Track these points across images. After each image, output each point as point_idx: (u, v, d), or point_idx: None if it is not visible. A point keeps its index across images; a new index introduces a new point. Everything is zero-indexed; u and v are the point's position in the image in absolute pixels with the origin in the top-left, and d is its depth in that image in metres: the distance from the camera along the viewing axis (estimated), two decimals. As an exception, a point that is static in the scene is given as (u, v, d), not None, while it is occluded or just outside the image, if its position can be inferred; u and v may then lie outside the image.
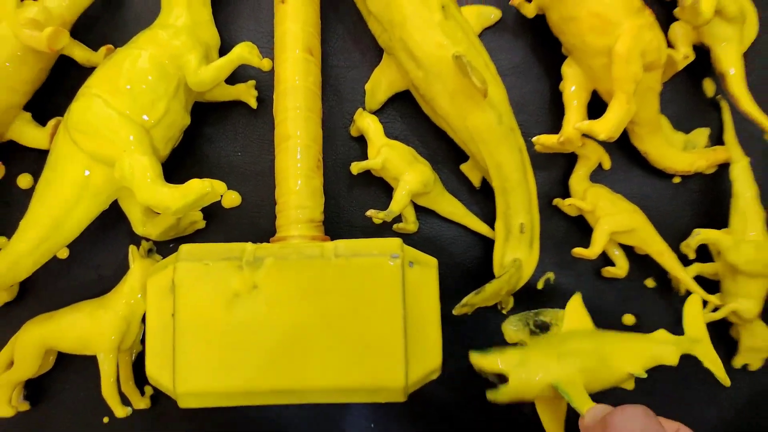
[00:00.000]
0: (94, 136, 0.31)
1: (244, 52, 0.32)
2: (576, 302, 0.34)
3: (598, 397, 0.30)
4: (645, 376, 0.31)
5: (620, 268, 0.36)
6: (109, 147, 0.31)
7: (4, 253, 0.32)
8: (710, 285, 0.36)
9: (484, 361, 0.31)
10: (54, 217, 0.32)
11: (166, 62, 0.32)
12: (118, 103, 0.31)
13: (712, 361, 0.33)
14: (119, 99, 0.31)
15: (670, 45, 0.35)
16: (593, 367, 0.31)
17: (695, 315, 0.34)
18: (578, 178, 0.35)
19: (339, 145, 0.36)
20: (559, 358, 0.31)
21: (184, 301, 0.29)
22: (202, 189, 0.30)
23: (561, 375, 0.30)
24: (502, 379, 0.30)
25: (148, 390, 0.36)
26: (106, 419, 0.36)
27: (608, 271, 0.36)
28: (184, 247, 0.29)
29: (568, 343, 0.32)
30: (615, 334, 0.33)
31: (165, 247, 0.37)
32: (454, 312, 0.32)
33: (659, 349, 0.32)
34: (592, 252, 0.34)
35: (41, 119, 0.36)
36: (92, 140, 0.31)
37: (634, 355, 0.32)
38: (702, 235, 0.34)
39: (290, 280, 0.29)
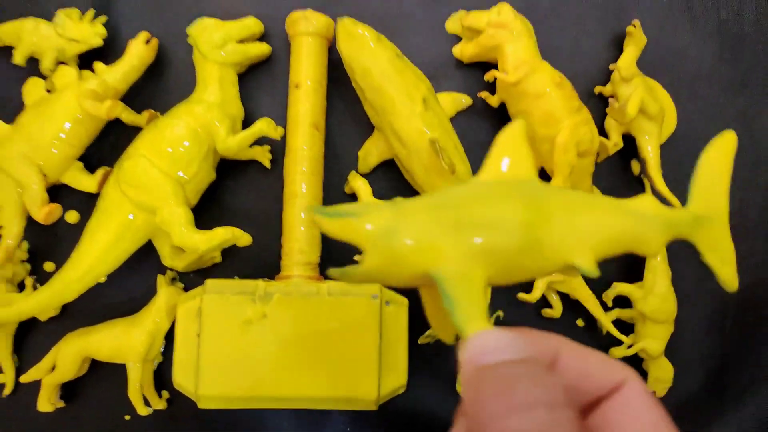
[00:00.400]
0: (140, 189, 0.39)
1: (264, 126, 0.40)
2: (516, 127, 0.22)
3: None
4: (596, 274, 0.20)
5: (556, 310, 0.44)
6: (151, 198, 0.39)
7: (56, 279, 0.39)
8: (627, 327, 0.44)
9: (332, 224, 0.20)
10: (101, 250, 0.39)
11: (199, 131, 0.40)
12: (160, 163, 0.39)
13: (724, 254, 0.22)
14: (161, 160, 0.39)
15: (604, 133, 0.44)
16: (512, 248, 0.20)
17: (719, 159, 0.22)
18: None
19: (335, 201, 0.44)
20: (457, 228, 0.20)
21: (208, 325, 0.36)
22: (225, 235, 0.38)
23: (450, 260, 0.19)
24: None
25: (165, 394, 0.44)
26: (127, 417, 0.43)
27: (546, 312, 0.44)
28: (210, 282, 0.37)
29: (482, 204, 0.20)
30: (564, 194, 0.22)
31: (186, 277, 0.44)
32: (419, 341, 0.40)
33: (633, 224, 0.21)
34: (533, 297, 0.42)
35: (87, 165, 0.43)
36: (138, 192, 0.39)
37: (588, 234, 0.21)
38: (618, 288, 0.43)
39: (292, 311, 0.36)
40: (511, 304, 0.44)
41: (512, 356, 0.18)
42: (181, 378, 0.36)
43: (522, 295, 0.43)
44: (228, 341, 0.36)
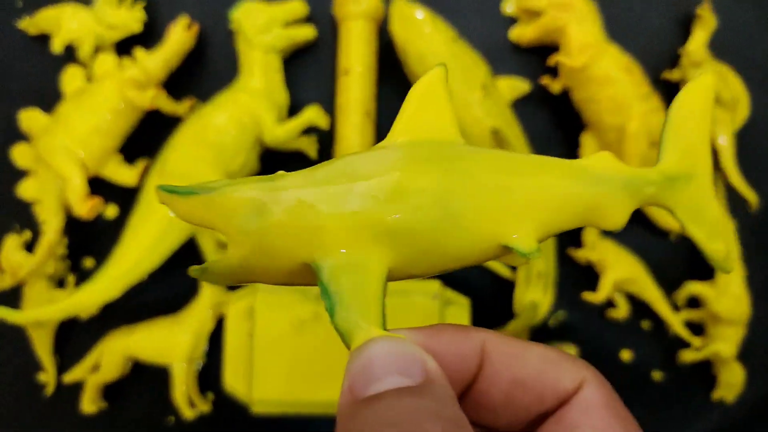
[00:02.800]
0: (185, 181, 0.37)
1: (313, 115, 0.38)
2: (435, 78, 0.18)
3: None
4: (537, 254, 0.16)
5: (622, 311, 0.42)
6: (197, 191, 0.37)
7: (101, 276, 0.38)
8: (697, 328, 0.42)
9: (190, 204, 0.16)
10: (146, 247, 0.38)
11: (245, 120, 0.38)
12: (206, 154, 0.37)
13: (708, 219, 0.18)
14: (207, 151, 0.37)
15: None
16: (426, 225, 0.16)
17: (697, 104, 0.18)
18: (590, 233, 0.41)
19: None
20: (348, 202, 0.16)
21: (260, 325, 0.35)
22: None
23: (336, 245, 0.15)
24: None
25: (210, 395, 0.42)
26: (171, 418, 0.42)
27: (611, 313, 0.42)
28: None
29: (383, 172, 0.16)
30: (493, 154, 0.17)
31: (231, 273, 0.42)
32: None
33: (586, 188, 0.17)
34: (598, 297, 0.40)
35: (125, 156, 0.42)
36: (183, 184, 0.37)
37: (528, 201, 0.16)
38: (690, 288, 0.40)
39: (347, 312, 0.35)
40: (572, 304, 0.42)
41: (406, 381, 0.13)
42: (233, 381, 0.35)
43: (587, 295, 0.40)
44: (281, 342, 0.34)
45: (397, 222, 0.15)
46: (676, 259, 0.43)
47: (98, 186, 0.41)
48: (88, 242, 0.43)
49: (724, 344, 0.40)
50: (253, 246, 0.15)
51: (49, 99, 0.41)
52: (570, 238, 0.43)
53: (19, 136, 0.41)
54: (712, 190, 0.18)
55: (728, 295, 0.40)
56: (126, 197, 0.42)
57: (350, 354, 0.15)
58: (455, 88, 0.37)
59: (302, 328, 0.34)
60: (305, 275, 0.16)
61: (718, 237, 0.18)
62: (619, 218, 0.17)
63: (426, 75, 0.18)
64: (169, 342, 0.40)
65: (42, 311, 0.38)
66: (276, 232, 0.15)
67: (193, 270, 0.16)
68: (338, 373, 0.33)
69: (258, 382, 0.34)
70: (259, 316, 0.34)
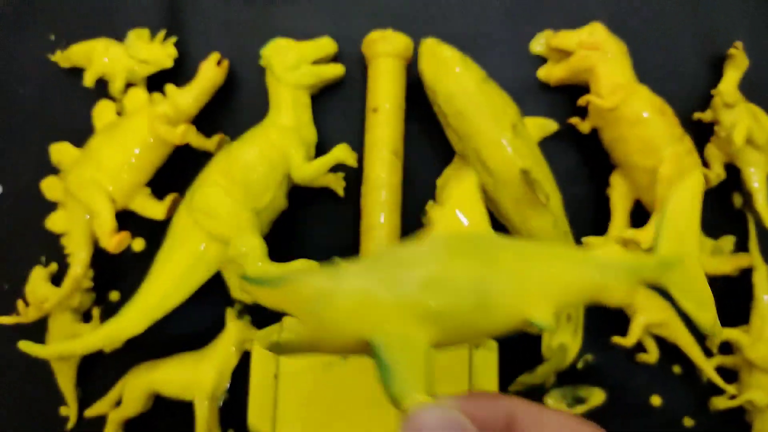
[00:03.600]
0: (213, 218, 0.37)
1: (341, 153, 0.38)
2: (469, 183, 0.21)
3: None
4: (553, 328, 0.21)
5: (652, 355, 0.40)
6: (225, 228, 0.37)
7: (127, 311, 0.38)
8: (730, 374, 0.41)
9: (270, 293, 0.18)
10: (172, 282, 0.38)
11: (274, 157, 0.38)
12: (234, 190, 0.37)
13: (697, 298, 0.21)
14: (235, 187, 0.37)
15: (704, 164, 0.41)
16: (465, 307, 0.18)
17: (685, 213, 0.21)
18: (618, 275, 0.41)
19: (412, 232, 0.42)
20: (400, 289, 0.18)
21: (286, 366, 0.34)
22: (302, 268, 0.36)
23: (390, 324, 0.17)
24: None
25: (231, 432, 0.42)
26: (191, 455, 0.42)
27: (641, 358, 0.41)
28: (288, 320, 0.35)
29: (427, 262, 0.19)
30: (518, 247, 0.21)
31: (254, 310, 0.42)
32: (510, 389, 0.37)
33: (593, 273, 0.20)
34: (629, 341, 0.39)
35: (153, 191, 0.42)
36: (211, 221, 0.37)
37: (546, 284, 0.19)
38: (724, 334, 0.39)
39: (374, 354, 0.34)
40: (600, 347, 0.41)
41: None
42: (257, 421, 0.34)
43: (617, 339, 0.39)
44: (307, 383, 0.34)
45: (440, 306, 0.19)
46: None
47: (126, 219, 0.41)
48: (115, 275, 0.43)
49: (760, 392, 0.39)
50: (321, 326, 0.19)
51: (80, 133, 0.42)
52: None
53: (49, 169, 0.42)
54: (701, 269, 0.22)
55: (763, 341, 0.39)
56: (154, 231, 0.42)
57: (402, 419, 0.17)
58: (485, 128, 0.37)
59: (328, 369, 0.34)
60: (363, 348, 0.19)
61: (706, 308, 0.22)
62: (621, 296, 0.21)
63: (461, 178, 0.23)
64: (192, 378, 0.39)
65: (66, 345, 0.38)
66: (339, 314, 0.19)
67: (268, 344, 0.20)
68: (363, 417, 0.33)
69: (282, 423, 0.34)
70: (284, 356, 0.34)
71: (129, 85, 0.42)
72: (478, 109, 0.37)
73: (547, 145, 0.42)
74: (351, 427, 0.33)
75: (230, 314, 0.41)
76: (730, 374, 0.41)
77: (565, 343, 0.39)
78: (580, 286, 0.20)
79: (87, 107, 0.42)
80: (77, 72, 0.43)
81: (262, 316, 0.42)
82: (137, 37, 0.42)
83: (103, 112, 0.41)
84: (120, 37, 0.42)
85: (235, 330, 0.40)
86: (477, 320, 0.19)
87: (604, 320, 0.41)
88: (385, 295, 0.18)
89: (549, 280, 0.20)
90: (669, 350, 0.41)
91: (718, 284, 0.41)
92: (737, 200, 0.42)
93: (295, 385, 0.34)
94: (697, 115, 0.42)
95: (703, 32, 0.43)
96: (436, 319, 0.18)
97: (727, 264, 0.41)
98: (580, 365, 0.41)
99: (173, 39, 0.42)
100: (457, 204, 0.21)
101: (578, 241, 0.40)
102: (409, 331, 0.18)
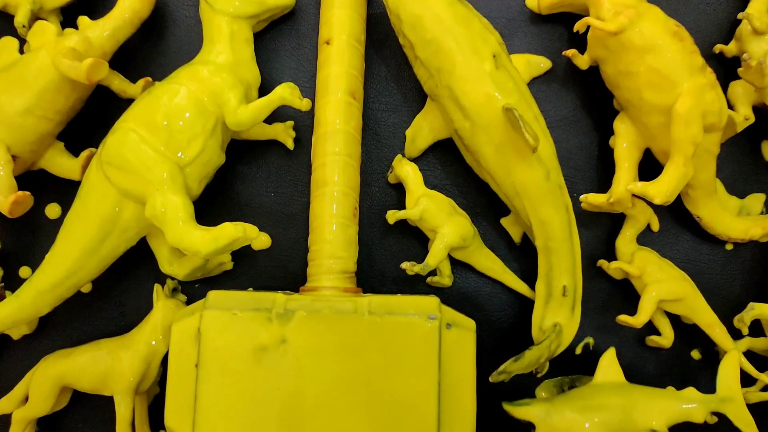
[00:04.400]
0: (127, 171, 0.30)
1: (285, 93, 0.32)
2: (610, 356, 0.34)
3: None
4: None
5: (665, 337, 0.34)
6: (141, 184, 0.30)
7: (26, 287, 0.32)
8: (761, 361, 0.34)
9: (516, 411, 0.32)
10: (81, 251, 0.31)
11: (205, 99, 0.31)
12: (153, 139, 0.31)
13: (745, 422, 0.32)
14: (155, 135, 0.31)
15: (729, 105, 0.34)
16: (616, 421, 0.32)
17: (731, 372, 0.33)
18: (625, 240, 0.34)
19: (375, 192, 0.36)
20: (583, 411, 0.31)
21: (208, 351, 0.28)
22: (234, 234, 0.29)
23: (583, 428, 0.31)
24: (531, 426, 0.32)
25: (163, 434, 0.35)
26: (116, 462, 0.35)
27: (653, 341, 0.34)
28: (212, 294, 0.28)
29: (596, 397, 0.32)
30: (643, 389, 0.33)
31: (190, 287, 0.36)
32: (491, 380, 0.30)
33: (686, 406, 0.32)
34: (638, 320, 0.32)
35: (74, 149, 0.36)
36: (125, 176, 0.30)
37: (660, 412, 0.32)
38: (757, 310, 0.33)
39: (321, 335, 0.28)
40: (605, 330, 0.35)
41: None
42: (174, 422, 0.28)
43: (623, 318, 0.33)
44: (235, 374, 0.27)
45: (605, 418, 0.32)
46: (734, 273, 0.35)
47: (39, 181, 0.35)
48: (26, 248, 0.36)
49: (798, 381, 0.33)
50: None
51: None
52: (600, 247, 0.35)
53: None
54: (743, 404, 0.33)
55: (803, 320, 0.32)
56: (71, 194, 0.35)
57: None
58: (459, 59, 0.31)
59: (262, 355, 0.27)
60: None
61: (747, 425, 0.32)
62: (698, 418, 0.32)
63: (607, 353, 0.34)
64: (112, 369, 0.33)
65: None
66: (554, 426, 0.32)
67: None
68: (304, 415, 0.27)
69: (201, 425, 0.27)
70: (208, 339, 0.27)
71: (36, 18, 0.35)
72: (451, 35, 0.31)
73: (538, 87, 0.36)
74: (288, 427, 0.27)
75: (159, 292, 0.34)
76: (762, 361, 0.34)
77: (560, 323, 0.32)
78: (677, 411, 0.32)
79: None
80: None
81: (198, 296, 0.35)
82: (48, -38, 0.35)
83: (3, 49, 0.35)
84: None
85: (164, 310, 0.34)
86: (621, 428, 0.32)
87: (606, 295, 0.35)
88: (577, 417, 0.31)
89: (660, 407, 0.32)
90: (686, 331, 0.34)
91: (749, 251, 0.35)
92: (767, 151, 0.36)
93: (220, 375, 0.27)
94: (719, 47, 0.36)
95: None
96: (601, 428, 0.31)
97: (757, 226, 0.35)
98: (578, 350, 0.35)
99: (92, -34, 0.36)
100: (605, 371, 0.33)
101: (575, 199, 0.33)
102: None
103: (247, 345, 0.28)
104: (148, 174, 0.30)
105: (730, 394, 0.32)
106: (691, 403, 0.32)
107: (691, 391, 0.33)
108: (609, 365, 0.33)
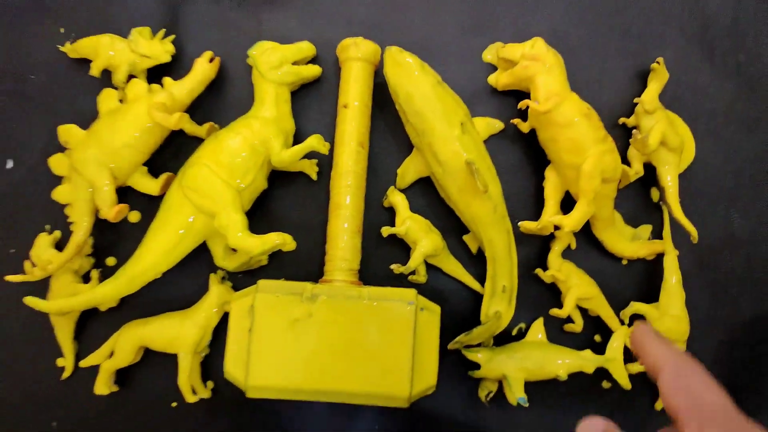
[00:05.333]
0: (201, 194, 0.43)
1: (314, 142, 0.44)
2: (538, 323, 0.46)
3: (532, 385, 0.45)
4: (565, 378, 0.44)
5: (578, 325, 0.47)
6: (212, 203, 0.42)
7: (121, 273, 0.43)
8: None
9: (469, 354, 0.45)
10: (164, 248, 0.43)
11: (256, 143, 0.44)
12: (221, 171, 0.43)
13: (621, 376, 0.45)
14: (222, 168, 0.43)
15: (627, 162, 0.47)
16: (533, 366, 0.44)
17: (617, 341, 0.46)
18: (555, 255, 0.46)
19: (373, 213, 0.47)
20: (511, 357, 0.44)
21: (259, 321, 0.40)
22: (277, 240, 0.42)
23: (510, 369, 0.44)
24: (478, 366, 0.45)
25: (210, 384, 0.47)
26: (174, 404, 0.47)
27: (569, 327, 0.47)
28: (262, 282, 0.41)
29: (523, 350, 0.45)
30: (556, 347, 0.45)
31: (234, 277, 0.48)
32: (449, 347, 0.43)
33: (582, 361, 0.45)
34: (564, 312, 0.45)
35: (150, 170, 0.47)
36: (200, 197, 0.43)
37: (564, 363, 0.45)
38: (635, 307, 0.46)
39: (335, 312, 0.40)
40: (532, 317, 0.47)
41: None
42: (233, 369, 0.40)
43: (554, 311, 0.46)
44: (276, 337, 0.40)
45: (525, 365, 0.45)
46: (627, 281, 0.48)
47: (124, 194, 0.47)
48: (112, 243, 0.48)
49: (665, 358, 0.46)
50: (486, 371, 0.45)
51: (85, 116, 0.47)
52: (533, 260, 0.48)
53: (58, 147, 0.47)
54: (622, 363, 0.45)
55: (669, 316, 0.45)
56: (147, 205, 0.47)
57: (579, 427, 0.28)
58: (438, 125, 0.43)
59: (295, 325, 0.40)
60: (503, 376, 0.45)
61: (621, 376, 0.46)
62: (589, 369, 0.45)
63: (536, 321, 0.47)
64: (178, 334, 0.45)
65: (66, 301, 0.44)
66: (493, 370, 0.45)
67: (470, 372, 0.47)
68: (323, 366, 0.39)
69: (253, 371, 0.39)
70: (258, 313, 0.40)
71: (131, 76, 0.47)
72: (432, 109, 0.43)
73: (493, 142, 0.48)
74: (314, 374, 0.39)
75: (213, 279, 0.46)
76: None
77: (500, 311, 0.45)
78: (575, 363, 0.45)
79: (92, 94, 0.47)
80: (84, 63, 0.49)
81: (241, 282, 0.47)
82: (139, 33, 0.47)
83: (106, 99, 0.46)
84: (123, 33, 0.48)
85: (217, 293, 0.46)
86: (536, 372, 0.44)
87: (536, 293, 0.48)
88: (508, 362, 0.44)
89: (564, 360, 0.45)
90: (591, 321, 0.47)
91: (637, 266, 0.49)
92: (654, 194, 0.49)
93: (266, 337, 0.39)
94: (622, 120, 0.48)
95: (632, 49, 0.50)
96: (522, 371, 0.44)
97: (644, 249, 0.47)
98: (514, 332, 0.47)
99: (171, 37, 0.48)
100: (533, 333, 0.47)
101: (515, 224, 0.46)
102: (516, 373, 0.44)
103: (285, 317, 0.40)
104: (216, 197, 0.42)
105: (613, 355, 0.45)
106: (585, 359, 0.45)
107: (587, 352, 0.45)
108: (536, 329, 0.46)
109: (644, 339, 0.28)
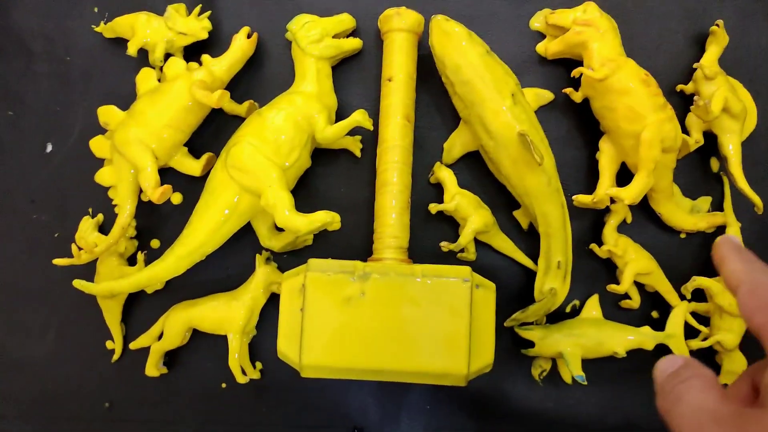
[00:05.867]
0: (247, 172, 0.42)
1: (360, 118, 0.43)
2: (593, 300, 0.45)
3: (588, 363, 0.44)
4: (624, 355, 0.43)
5: (635, 301, 0.45)
6: (257, 182, 0.42)
7: (169, 254, 0.43)
8: (702, 319, 0.46)
9: (523, 333, 0.44)
10: (210, 229, 0.43)
11: (300, 120, 0.43)
12: (265, 149, 0.42)
13: (681, 351, 0.44)
14: (266, 146, 0.42)
15: (685, 130, 0.45)
16: (591, 344, 0.43)
17: (677, 318, 0.44)
18: (610, 229, 0.45)
19: (420, 189, 0.46)
20: (568, 335, 0.43)
21: (311, 300, 0.39)
22: (325, 219, 0.41)
23: (566, 347, 0.43)
24: (532, 344, 0.44)
25: (259, 365, 0.47)
26: (224, 384, 0.47)
27: (626, 303, 0.46)
28: (312, 261, 0.40)
29: (579, 327, 0.44)
30: (613, 324, 0.44)
31: (280, 257, 0.47)
32: (505, 324, 0.42)
33: (642, 338, 0.44)
34: (622, 288, 0.44)
35: (191, 150, 0.47)
36: (245, 176, 0.42)
37: (622, 340, 0.43)
38: (697, 282, 0.44)
39: (388, 290, 0.39)
40: (589, 295, 0.46)
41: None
42: (286, 348, 0.39)
43: (612, 286, 0.44)
44: (329, 316, 0.39)
45: (582, 342, 0.44)
46: (685, 255, 0.47)
47: (165, 175, 0.46)
48: (156, 226, 0.48)
49: (728, 335, 0.44)
50: (541, 349, 0.45)
51: (124, 97, 0.46)
52: (587, 233, 0.47)
53: (98, 129, 0.47)
54: (683, 338, 0.45)
55: (732, 289, 0.43)
56: (190, 187, 0.47)
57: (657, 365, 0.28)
58: (488, 96, 0.41)
59: (347, 303, 0.39)
60: (559, 354, 0.45)
61: (683, 352, 0.45)
62: (649, 346, 0.44)
63: (591, 298, 0.46)
64: (226, 315, 0.44)
65: (114, 284, 0.43)
66: (549, 347, 0.44)
67: (523, 350, 0.46)
68: (377, 344, 0.38)
69: (307, 350, 0.38)
70: (310, 292, 0.39)
71: (168, 54, 0.46)
72: (482, 79, 0.42)
73: (543, 113, 0.47)
74: (366, 353, 0.38)
75: (259, 260, 0.46)
76: (702, 319, 0.46)
77: (555, 288, 0.43)
78: (634, 340, 0.44)
79: (130, 74, 0.46)
80: (121, 42, 0.48)
81: (286, 262, 0.47)
82: (175, 11, 0.46)
83: (145, 78, 0.45)
84: (159, 11, 0.47)
85: (263, 274, 0.45)
86: (594, 350, 0.43)
87: (591, 269, 0.46)
88: (564, 339, 0.44)
89: (623, 337, 0.44)
90: (648, 297, 0.46)
91: (697, 239, 0.47)
92: (714, 164, 0.47)
93: (319, 316, 0.39)
94: (680, 87, 0.46)
95: (689, 11, 0.47)
96: (579, 348, 0.43)
97: (704, 221, 0.45)
98: (568, 309, 0.46)
99: (208, 13, 0.47)
100: (588, 309, 0.46)
101: (568, 198, 0.44)
102: (573, 351, 0.44)
103: (337, 296, 0.39)
104: (262, 175, 0.42)
105: (673, 331, 0.44)
106: (644, 336, 0.44)
107: (646, 328, 0.44)
108: (591, 306, 0.45)
109: (726, 253, 0.27)
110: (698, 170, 0.47)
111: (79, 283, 0.43)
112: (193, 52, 0.47)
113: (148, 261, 0.46)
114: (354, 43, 0.46)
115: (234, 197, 0.42)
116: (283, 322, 0.40)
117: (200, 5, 0.47)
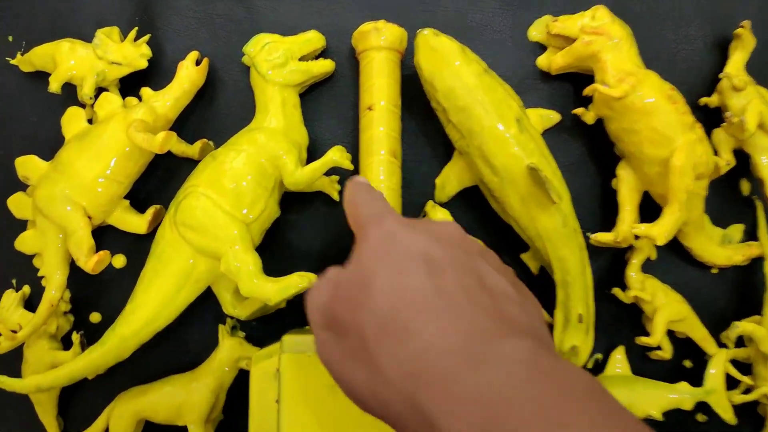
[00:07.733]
0: (201, 232, 0.34)
1: (336, 156, 0.36)
2: (620, 352, 0.39)
3: None
4: (661, 418, 0.37)
5: (666, 351, 0.39)
6: (215, 242, 0.34)
7: (110, 335, 0.35)
8: (742, 367, 0.40)
9: None
10: (159, 302, 0.35)
11: (263, 162, 0.35)
12: (223, 201, 0.35)
13: (725, 409, 0.38)
14: (224, 197, 0.35)
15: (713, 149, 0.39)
16: None
17: (718, 368, 0.39)
18: (634, 269, 0.39)
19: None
20: None
21: (288, 389, 0.32)
22: (300, 283, 0.34)
23: None
24: None
25: (228, 457, 0.39)
26: (188, 482, 0.39)
27: (656, 355, 0.39)
28: (287, 339, 0.32)
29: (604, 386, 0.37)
30: (644, 381, 0.38)
31: (248, 325, 0.40)
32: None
33: (679, 396, 0.38)
34: (654, 340, 0.38)
35: (133, 203, 0.39)
36: (199, 236, 0.34)
37: (657, 400, 0.38)
38: (741, 328, 0.38)
39: (383, 371, 0.32)
40: (613, 346, 0.40)
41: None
42: (260, 451, 0.32)
43: (642, 339, 0.38)
44: (312, 407, 0.31)
45: None
46: (719, 293, 0.41)
47: (104, 233, 0.39)
48: (96, 295, 0.40)
49: (775, 385, 0.38)
50: None
51: (48, 144, 0.39)
52: (605, 274, 0.40)
53: (17, 185, 0.39)
54: (725, 394, 0.39)
55: (780, 332, 0.38)
56: (134, 246, 0.39)
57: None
58: (488, 124, 0.35)
59: (334, 391, 0.32)
60: None
61: (725, 410, 0.38)
62: (688, 406, 0.38)
63: (616, 350, 0.40)
64: (186, 401, 0.37)
65: (46, 378, 0.36)
66: None
67: None
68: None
69: (288, 452, 0.31)
70: (286, 378, 0.32)
71: (100, 89, 0.39)
72: (481, 104, 0.35)
73: (550, 137, 0.40)
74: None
75: (223, 331, 0.38)
76: (742, 367, 0.40)
77: (577, 345, 0.37)
78: (671, 400, 0.38)
79: (54, 115, 0.39)
80: (41, 76, 0.40)
81: (256, 331, 0.39)
82: (106, 36, 0.39)
83: (72, 119, 0.38)
84: (87, 37, 0.39)
85: (229, 348, 0.38)
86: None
87: (613, 316, 0.40)
88: None
89: (657, 396, 0.38)
90: (677, 343, 0.40)
91: (729, 275, 0.41)
92: (745, 187, 0.41)
93: (298, 408, 0.31)
94: (703, 100, 0.40)
95: (708, 14, 0.41)
96: None
97: (737, 254, 0.40)
98: (590, 364, 0.40)
99: (147, 37, 0.39)
100: (613, 364, 0.40)
101: (585, 236, 0.38)
102: None
103: (322, 381, 0.32)
104: (220, 234, 0.34)
105: (714, 386, 0.38)
106: (682, 394, 0.38)
107: (683, 385, 0.38)
108: (617, 359, 0.39)
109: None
110: (728, 194, 0.41)
111: (1, 380, 0.35)
112: (130, 85, 0.39)
113: (88, 342, 0.38)
114: (325, 66, 0.39)
115: (188, 260, 0.35)
116: (255, 416, 0.33)
117: (137, 27, 0.39)
